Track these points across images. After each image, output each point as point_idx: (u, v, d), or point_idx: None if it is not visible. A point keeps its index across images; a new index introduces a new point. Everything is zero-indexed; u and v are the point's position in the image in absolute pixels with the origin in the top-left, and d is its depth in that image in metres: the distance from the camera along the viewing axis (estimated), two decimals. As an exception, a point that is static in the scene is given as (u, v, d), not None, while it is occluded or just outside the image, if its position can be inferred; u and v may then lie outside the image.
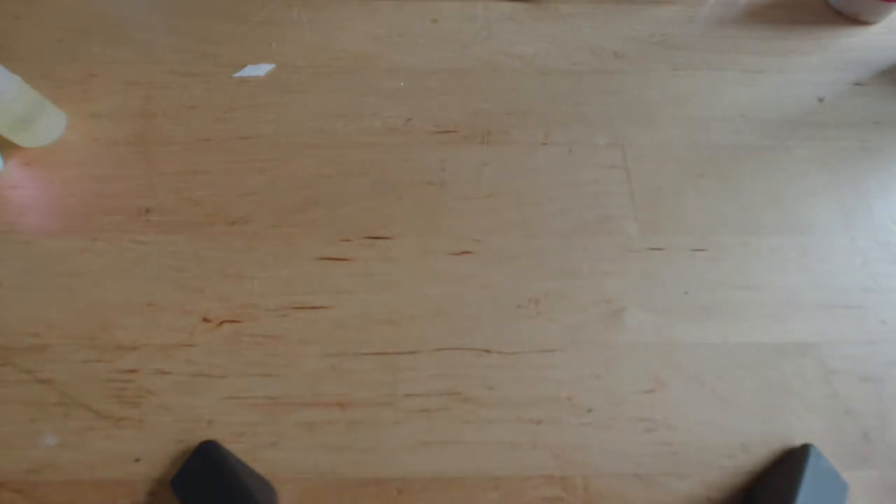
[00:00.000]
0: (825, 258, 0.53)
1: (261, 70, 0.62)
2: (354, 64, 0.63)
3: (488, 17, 0.67)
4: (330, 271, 0.52)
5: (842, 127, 0.60)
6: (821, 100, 0.62)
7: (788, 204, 0.56)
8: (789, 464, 0.44)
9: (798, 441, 0.46)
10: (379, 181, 0.56)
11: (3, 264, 0.51)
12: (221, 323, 0.49)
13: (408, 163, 0.57)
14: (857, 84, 0.63)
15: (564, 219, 0.55)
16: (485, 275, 0.52)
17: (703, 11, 0.68)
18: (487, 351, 0.49)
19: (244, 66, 0.62)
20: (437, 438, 0.46)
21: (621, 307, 0.51)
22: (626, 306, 0.51)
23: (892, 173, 0.58)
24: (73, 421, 0.45)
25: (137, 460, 0.44)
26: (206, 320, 0.49)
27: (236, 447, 0.45)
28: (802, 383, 0.48)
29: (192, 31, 0.64)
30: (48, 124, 0.55)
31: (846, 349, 0.50)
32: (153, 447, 0.45)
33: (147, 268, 0.51)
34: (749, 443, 0.46)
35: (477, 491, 0.44)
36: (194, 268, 0.51)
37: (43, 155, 0.56)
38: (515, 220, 0.54)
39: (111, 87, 0.60)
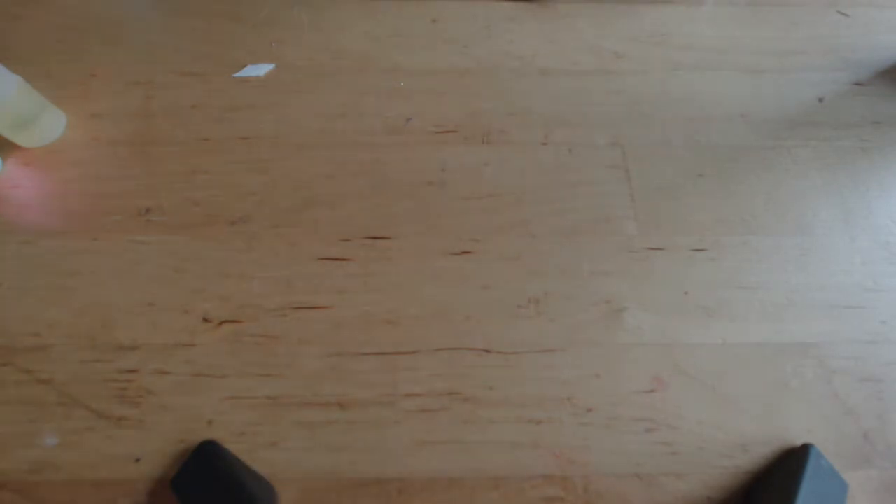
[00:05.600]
0: (825, 258, 0.53)
1: (261, 70, 0.62)
2: (354, 64, 0.63)
3: (488, 17, 0.67)
4: (330, 271, 0.52)
5: (842, 127, 0.60)
6: (821, 100, 0.62)
7: (788, 204, 0.56)
8: (789, 464, 0.44)
9: (798, 441, 0.46)
10: (379, 181, 0.56)
11: (3, 264, 0.51)
12: (221, 323, 0.49)
13: (408, 163, 0.57)
14: (857, 84, 0.63)
15: (564, 219, 0.55)
16: (485, 275, 0.52)
17: (703, 11, 0.68)
18: (487, 351, 0.49)
19: (244, 66, 0.62)
20: (437, 438, 0.46)
21: (621, 307, 0.51)
22: (626, 306, 0.51)
23: (892, 173, 0.58)
24: (73, 421, 0.45)
25: (137, 460, 0.44)
26: (206, 320, 0.49)
27: (236, 447, 0.45)
28: (802, 383, 0.48)
29: (192, 31, 0.64)
30: (48, 124, 0.55)
31: (846, 349, 0.50)
32: (153, 447, 0.45)
33: (147, 268, 0.51)
34: (749, 443, 0.46)
35: (477, 491, 0.44)
36: (194, 268, 0.51)
37: (43, 155, 0.56)
38: (515, 220, 0.54)
39: (111, 87, 0.60)
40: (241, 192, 0.55)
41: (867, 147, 0.59)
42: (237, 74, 0.61)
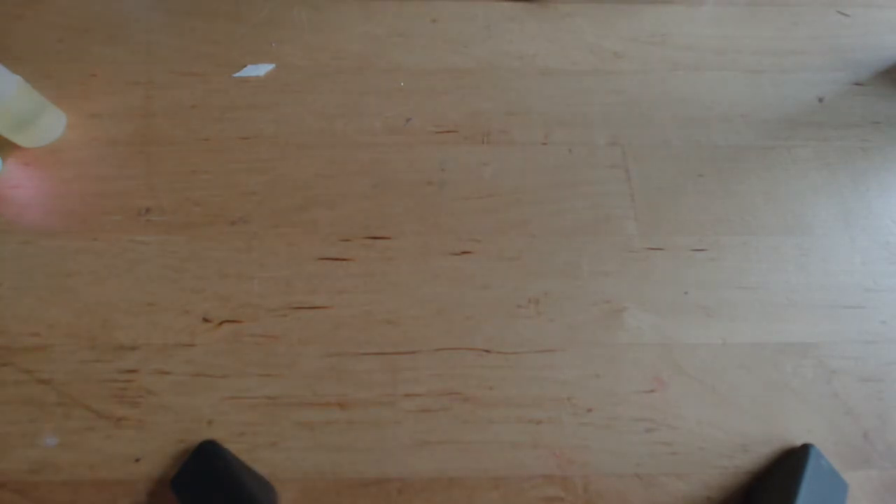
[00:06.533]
0: (825, 258, 0.53)
1: (261, 70, 0.62)
2: (354, 64, 0.63)
3: (488, 17, 0.67)
4: (330, 271, 0.52)
5: (842, 127, 0.60)
6: (821, 100, 0.62)
7: (788, 204, 0.56)
8: (789, 464, 0.44)
9: (798, 441, 0.46)
10: (379, 181, 0.56)
11: (3, 264, 0.51)
12: (221, 323, 0.49)
13: (408, 163, 0.57)
14: (856, 84, 0.63)
15: (564, 219, 0.55)
16: (485, 275, 0.52)
17: (703, 11, 0.68)
18: (487, 351, 0.49)
19: (244, 66, 0.62)
20: (437, 438, 0.46)
21: (621, 307, 0.51)
22: (626, 306, 0.51)
23: (892, 173, 0.58)
24: (73, 421, 0.45)
25: (137, 460, 0.44)
26: (206, 320, 0.49)
27: (236, 447, 0.45)
28: (802, 383, 0.48)
29: (192, 31, 0.64)
30: (48, 124, 0.55)
31: (846, 349, 0.50)
32: (153, 447, 0.45)
33: (147, 268, 0.51)
34: (749, 443, 0.46)
35: (477, 491, 0.44)
36: (194, 268, 0.51)
37: (43, 155, 0.56)
38: (515, 220, 0.54)
39: (111, 87, 0.60)
40: (241, 192, 0.55)
41: (867, 147, 0.59)
42: (237, 74, 0.61)
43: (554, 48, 0.65)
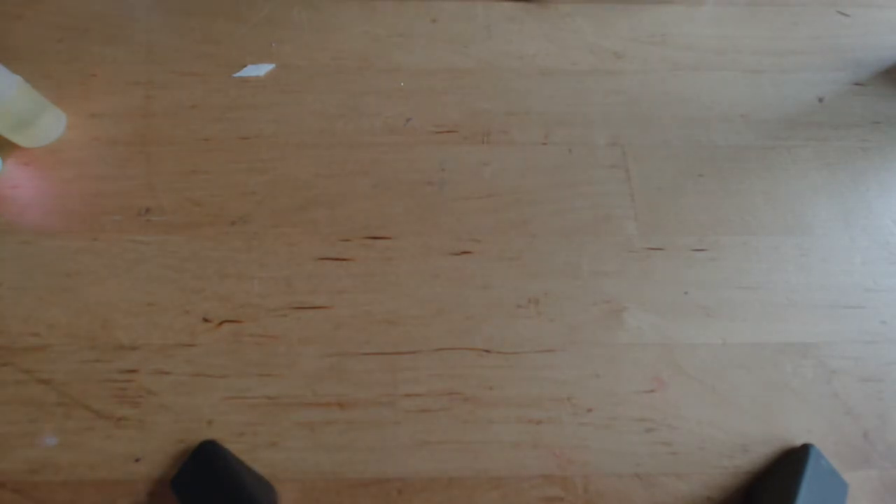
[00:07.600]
0: (825, 258, 0.53)
1: (261, 70, 0.62)
2: (354, 64, 0.63)
3: (488, 17, 0.67)
4: (330, 271, 0.52)
5: (842, 127, 0.60)
6: (821, 100, 0.62)
7: (788, 204, 0.56)
8: (789, 464, 0.44)
9: (798, 441, 0.46)
10: (379, 181, 0.56)
11: (3, 264, 0.51)
12: (221, 323, 0.49)
13: (408, 163, 0.57)
14: (856, 84, 0.63)
15: (564, 219, 0.55)
16: (485, 275, 0.52)
17: (703, 11, 0.68)
18: (487, 351, 0.49)
19: (244, 66, 0.62)
20: (437, 438, 0.46)
21: (621, 307, 0.51)
22: (626, 306, 0.51)
23: (892, 173, 0.58)
24: (73, 421, 0.45)
25: (137, 460, 0.44)
26: (206, 320, 0.49)
27: (236, 447, 0.45)
28: (802, 383, 0.48)
29: (192, 31, 0.64)
30: (48, 124, 0.55)
31: (846, 349, 0.50)
32: (153, 447, 0.45)
33: (147, 268, 0.51)
34: (749, 443, 0.46)
35: (477, 491, 0.44)
36: (194, 268, 0.51)
37: (43, 155, 0.56)
38: (515, 220, 0.55)
39: (111, 87, 0.60)
40: (241, 192, 0.55)
41: (867, 147, 0.59)
42: (237, 74, 0.61)
43: (554, 48, 0.65)
